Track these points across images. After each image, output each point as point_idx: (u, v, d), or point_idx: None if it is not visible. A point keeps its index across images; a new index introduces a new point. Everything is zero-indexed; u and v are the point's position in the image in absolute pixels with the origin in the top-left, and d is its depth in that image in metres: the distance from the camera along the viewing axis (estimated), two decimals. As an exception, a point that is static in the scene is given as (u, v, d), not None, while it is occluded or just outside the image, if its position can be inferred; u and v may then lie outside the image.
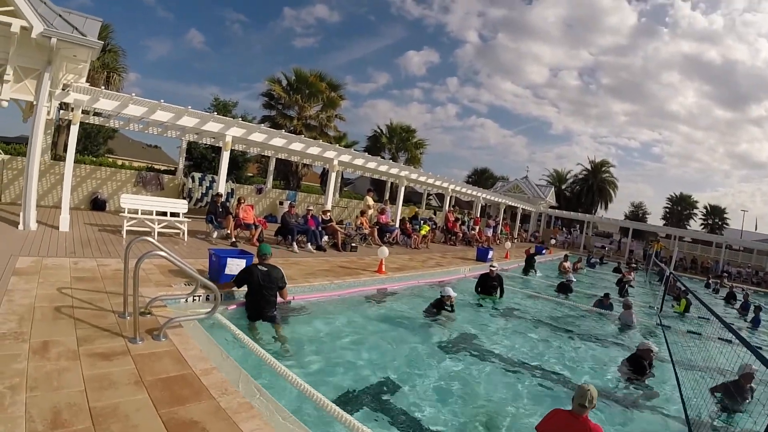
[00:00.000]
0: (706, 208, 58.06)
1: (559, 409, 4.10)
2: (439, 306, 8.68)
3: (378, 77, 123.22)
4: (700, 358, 8.27)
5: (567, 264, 19.41)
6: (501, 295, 11.39)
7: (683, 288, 14.14)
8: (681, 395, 6.32)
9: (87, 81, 11.68)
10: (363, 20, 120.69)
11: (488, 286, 11.32)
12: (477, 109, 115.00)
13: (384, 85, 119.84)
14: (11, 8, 7.98)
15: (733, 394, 6.27)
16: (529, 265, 17.77)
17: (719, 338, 8.65)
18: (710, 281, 24.86)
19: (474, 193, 26.68)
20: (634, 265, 25.06)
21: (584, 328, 10.35)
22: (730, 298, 19.68)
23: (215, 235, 11.52)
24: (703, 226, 56.91)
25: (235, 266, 6.91)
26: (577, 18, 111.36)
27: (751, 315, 14.92)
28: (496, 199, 31.28)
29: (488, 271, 11.53)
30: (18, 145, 16.62)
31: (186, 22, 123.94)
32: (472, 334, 8.21)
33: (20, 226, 9.05)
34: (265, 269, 6.47)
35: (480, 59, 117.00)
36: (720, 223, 56.47)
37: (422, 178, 21.28)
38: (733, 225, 53.91)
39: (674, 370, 7.43)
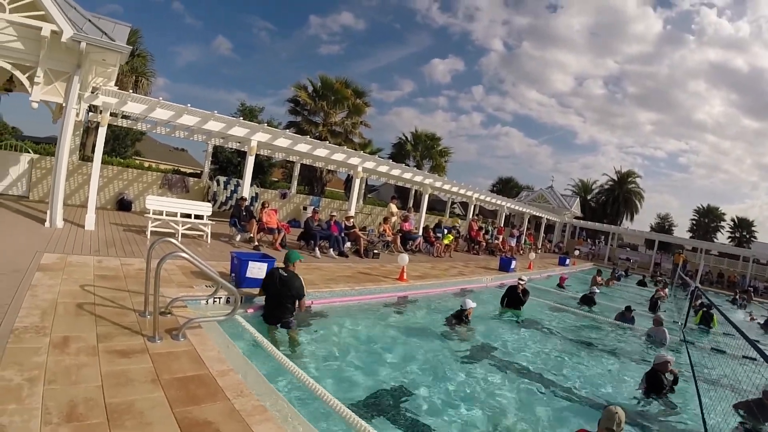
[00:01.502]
0: (733, 220, 56.40)
1: (584, 430, 3.94)
2: (459, 318, 8.53)
3: (403, 85, 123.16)
4: (723, 375, 8.00)
5: (600, 278, 19.19)
6: (522, 305, 10.93)
7: (708, 302, 13.69)
8: (702, 412, 6.08)
9: (116, 84, 11.92)
10: (388, 28, 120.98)
11: (515, 299, 10.90)
12: (502, 117, 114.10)
13: (409, 93, 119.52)
14: (42, 12, 8.21)
15: (755, 413, 6.03)
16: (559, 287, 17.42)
17: (743, 356, 8.35)
18: (737, 297, 24.04)
19: (498, 202, 26.41)
20: (660, 279, 24.40)
21: (606, 341, 10.09)
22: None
23: (238, 238, 11.59)
24: (730, 239, 55.19)
25: (256, 269, 6.90)
26: (602, 26, 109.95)
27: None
28: (520, 209, 30.92)
29: (516, 283, 11.09)
30: (47, 145, 17.16)
31: (214, 28, 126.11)
32: (492, 345, 8.05)
33: (47, 224, 9.25)
34: (286, 275, 6.38)
35: (505, 67, 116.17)
36: (747, 236, 54.49)
37: (446, 186, 21.16)
38: (761, 238, 52.01)
39: (696, 385, 7.18)
